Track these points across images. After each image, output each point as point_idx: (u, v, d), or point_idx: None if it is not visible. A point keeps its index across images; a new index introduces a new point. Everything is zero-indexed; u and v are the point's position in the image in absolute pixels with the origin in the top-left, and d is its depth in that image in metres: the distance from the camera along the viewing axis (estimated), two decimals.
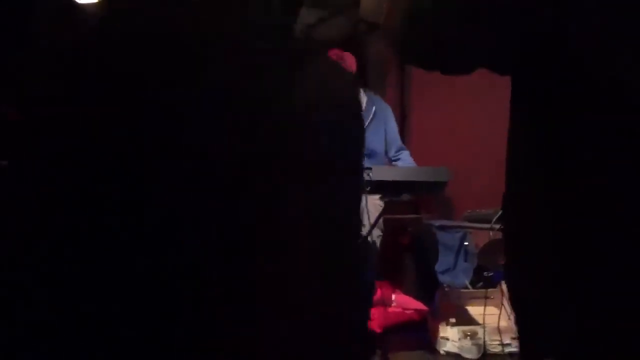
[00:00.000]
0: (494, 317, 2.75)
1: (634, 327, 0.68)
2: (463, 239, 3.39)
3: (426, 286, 3.35)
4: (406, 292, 3.39)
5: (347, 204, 0.73)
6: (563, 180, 0.74)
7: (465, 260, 3.38)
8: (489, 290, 2.91)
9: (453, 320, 2.87)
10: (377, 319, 3.02)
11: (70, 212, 0.60)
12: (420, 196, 3.60)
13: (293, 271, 0.66)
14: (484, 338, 2.74)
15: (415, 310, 3.24)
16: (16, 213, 0.62)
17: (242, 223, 0.63)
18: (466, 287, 3.21)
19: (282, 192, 0.65)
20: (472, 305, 3.02)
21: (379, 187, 2.33)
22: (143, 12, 0.66)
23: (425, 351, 2.86)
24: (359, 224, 0.79)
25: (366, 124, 3.05)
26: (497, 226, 2.62)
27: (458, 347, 2.77)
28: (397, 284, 3.43)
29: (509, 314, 2.86)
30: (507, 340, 2.72)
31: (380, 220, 2.80)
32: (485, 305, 2.80)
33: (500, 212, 2.57)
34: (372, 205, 2.68)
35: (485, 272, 3.18)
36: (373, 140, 3.06)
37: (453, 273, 3.35)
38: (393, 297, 3.30)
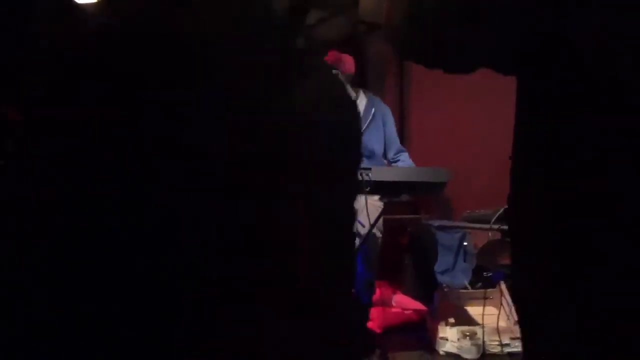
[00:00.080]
0: (493, 317, 2.75)
1: (634, 327, 0.68)
2: (462, 239, 3.39)
3: (425, 286, 3.35)
4: (405, 293, 3.39)
5: (346, 204, 0.73)
6: (563, 180, 0.74)
7: (465, 261, 3.39)
8: (488, 290, 2.91)
9: (452, 320, 2.87)
10: (376, 319, 3.02)
11: (70, 212, 0.60)
12: (420, 197, 3.61)
13: (293, 271, 0.66)
14: (483, 338, 2.74)
15: (415, 310, 3.24)
16: (16, 213, 0.62)
17: (242, 223, 0.63)
18: (465, 288, 3.21)
19: (282, 192, 0.65)
20: (471, 306, 3.02)
21: (378, 187, 2.33)
22: (143, 12, 0.66)
23: (425, 351, 2.86)
24: (356, 223, 0.79)
25: (365, 124, 3.05)
26: (496, 226, 2.62)
27: (457, 348, 2.77)
28: (397, 284, 3.44)
29: (508, 314, 2.87)
30: (506, 341, 2.72)
31: (380, 221, 2.80)
32: (484, 306, 2.80)
33: (499, 213, 2.58)
34: (372, 205, 2.68)
35: (484, 273, 3.19)
36: (372, 141, 3.06)
37: (452, 273, 3.35)
38: (392, 297, 3.30)
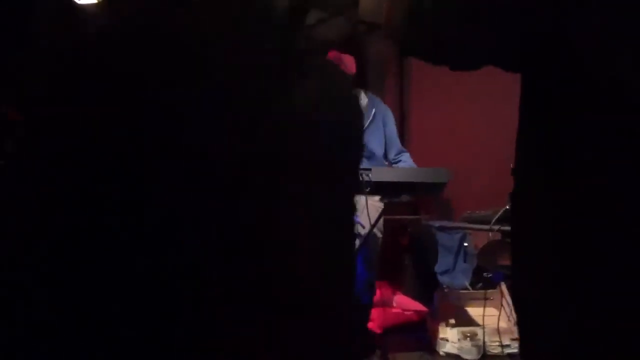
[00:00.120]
0: (493, 318, 2.75)
1: (634, 327, 0.68)
2: (462, 240, 3.39)
3: (426, 287, 3.35)
4: (406, 293, 3.39)
5: (346, 204, 0.73)
6: (563, 180, 0.74)
7: (465, 261, 3.38)
8: (489, 291, 2.91)
9: (452, 321, 2.87)
10: (376, 320, 3.02)
11: (70, 212, 0.60)
12: (420, 197, 3.61)
13: (293, 271, 0.66)
14: (484, 339, 2.74)
15: (415, 311, 3.24)
16: (16, 213, 0.62)
17: (242, 223, 0.63)
18: (466, 288, 3.21)
19: (282, 192, 0.65)
20: (472, 306, 3.02)
21: (378, 188, 2.33)
22: (143, 12, 0.66)
23: (425, 352, 2.86)
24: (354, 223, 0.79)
25: (365, 125, 3.05)
26: (497, 227, 2.62)
27: (457, 348, 2.77)
28: (397, 285, 3.43)
29: (508, 315, 2.87)
30: (506, 342, 2.72)
31: (380, 221, 2.80)
32: (484, 307, 2.80)
33: (499, 213, 2.58)
34: (372, 206, 2.68)
35: (484, 273, 3.18)
36: (372, 141, 3.06)
37: (452, 274, 3.35)
38: (393, 297, 3.30)
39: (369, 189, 2.24)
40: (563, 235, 0.73)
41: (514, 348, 2.71)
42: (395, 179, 2.36)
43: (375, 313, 3.00)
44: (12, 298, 0.59)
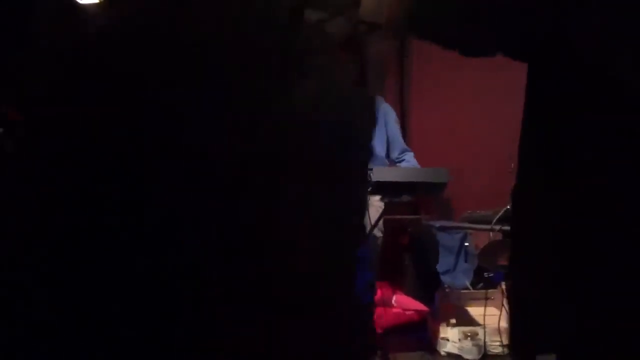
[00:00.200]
0: (494, 318, 2.74)
1: (634, 327, 0.68)
2: (463, 240, 3.39)
3: (426, 287, 3.34)
4: (406, 293, 3.38)
5: (346, 204, 0.73)
6: (563, 180, 0.74)
7: (466, 261, 3.38)
8: (490, 291, 2.90)
9: (453, 321, 2.86)
10: (377, 320, 3.01)
11: (70, 212, 0.60)
12: (420, 197, 3.60)
13: (293, 271, 0.66)
14: (485, 339, 2.74)
15: (416, 311, 3.23)
16: (16, 213, 0.62)
17: (242, 223, 0.63)
18: (466, 288, 3.20)
19: (282, 192, 0.65)
20: (473, 306, 3.01)
21: (379, 187, 2.32)
22: (143, 13, 0.66)
23: (426, 352, 2.86)
24: (361, 223, 0.79)
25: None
26: (498, 227, 2.62)
27: (458, 348, 2.77)
28: (397, 285, 3.43)
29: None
30: (507, 341, 2.72)
31: (381, 221, 2.80)
32: (485, 306, 2.79)
33: (500, 213, 2.58)
34: (373, 206, 2.68)
35: (485, 273, 3.18)
36: (373, 141, 3.05)
37: (453, 274, 3.35)
38: (393, 297, 3.30)
39: (369, 188, 2.24)
40: (563, 235, 0.73)
41: None
42: (395, 179, 2.36)
43: (375, 313, 3.00)
44: (12, 298, 0.59)
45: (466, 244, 3.40)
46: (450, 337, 2.84)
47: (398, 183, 2.38)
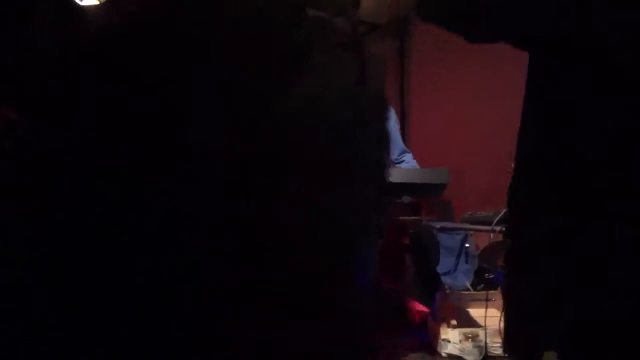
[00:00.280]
0: (495, 319, 2.74)
1: (634, 327, 0.68)
2: (464, 240, 3.39)
3: (427, 288, 3.34)
4: (407, 294, 3.38)
5: (347, 203, 0.73)
6: (563, 180, 0.74)
7: (466, 262, 3.38)
8: (490, 292, 2.90)
9: (454, 322, 2.86)
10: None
11: (70, 212, 0.60)
12: (421, 198, 3.61)
13: (293, 271, 0.66)
14: (485, 340, 2.74)
15: (416, 311, 3.23)
16: (16, 213, 0.62)
17: (242, 223, 0.63)
18: (467, 289, 3.21)
19: (282, 192, 0.65)
20: (473, 307, 3.02)
21: None
22: (143, 13, 0.66)
23: (426, 353, 2.85)
24: (366, 223, 0.78)
25: None
26: (498, 228, 2.62)
27: (459, 349, 2.77)
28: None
29: None
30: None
31: None
32: (486, 307, 2.80)
33: (501, 214, 2.57)
34: None
35: (486, 274, 3.18)
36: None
37: (454, 275, 3.35)
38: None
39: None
40: (563, 235, 0.73)
41: None
42: (395, 180, 2.36)
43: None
44: (12, 298, 0.59)
45: (467, 245, 3.40)
46: (451, 338, 2.85)
47: (398, 184, 2.38)
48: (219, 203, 0.62)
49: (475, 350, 2.74)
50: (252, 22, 0.68)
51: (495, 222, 2.63)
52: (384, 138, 0.80)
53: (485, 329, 2.76)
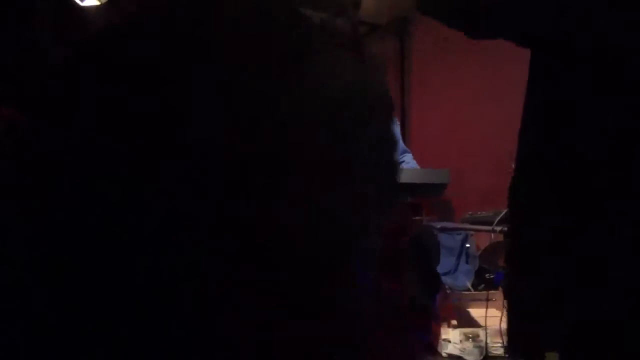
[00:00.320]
0: (495, 319, 2.74)
1: (634, 327, 0.68)
2: (464, 241, 3.39)
3: (427, 288, 3.34)
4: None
5: (347, 203, 0.73)
6: (563, 180, 0.74)
7: (467, 263, 3.38)
8: (491, 292, 2.90)
9: (454, 322, 2.86)
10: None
11: (70, 212, 0.60)
12: (421, 198, 3.60)
13: (293, 271, 0.66)
14: (486, 340, 2.74)
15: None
16: (16, 213, 0.62)
17: (242, 223, 0.63)
18: (468, 289, 3.21)
19: (282, 192, 0.65)
20: (474, 308, 3.02)
21: None
22: (143, 13, 0.66)
23: (426, 353, 2.85)
24: (366, 223, 0.78)
25: None
26: (499, 228, 2.62)
27: (460, 350, 2.77)
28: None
29: None
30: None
31: None
32: (486, 308, 2.80)
33: (501, 215, 2.58)
34: None
35: (487, 274, 3.18)
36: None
37: (454, 275, 3.35)
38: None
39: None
40: (563, 235, 0.73)
41: None
42: None
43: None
44: (12, 298, 0.59)
45: (467, 245, 3.40)
46: (452, 338, 2.85)
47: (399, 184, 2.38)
48: (219, 203, 0.62)
49: (476, 351, 2.74)
50: (252, 22, 0.68)
51: (495, 222, 2.64)
52: (388, 138, 0.79)
53: (486, 329, 2.76)
